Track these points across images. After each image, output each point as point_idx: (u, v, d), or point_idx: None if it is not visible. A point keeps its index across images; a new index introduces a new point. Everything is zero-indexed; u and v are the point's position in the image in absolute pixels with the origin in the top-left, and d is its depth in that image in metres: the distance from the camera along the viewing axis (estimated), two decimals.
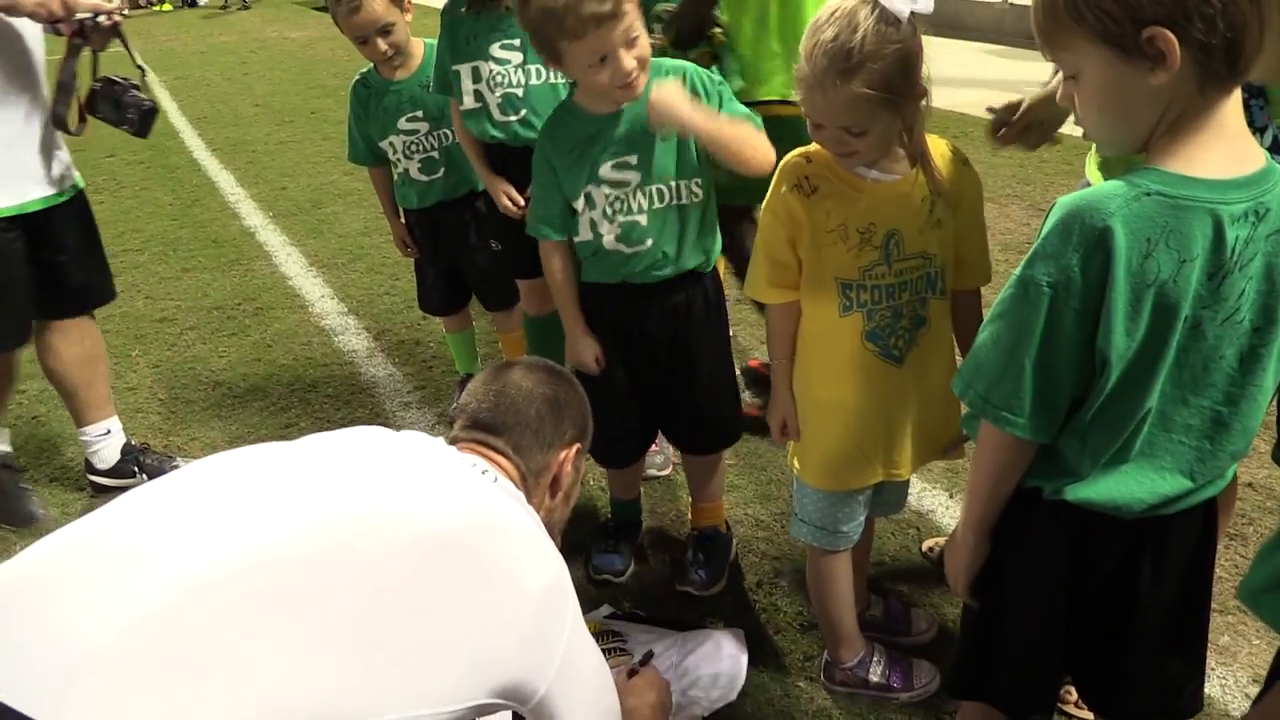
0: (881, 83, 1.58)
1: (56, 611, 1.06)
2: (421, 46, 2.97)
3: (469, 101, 2.65)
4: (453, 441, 1.52)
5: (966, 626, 1.60)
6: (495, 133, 2.66)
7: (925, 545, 2.51)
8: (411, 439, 1.43)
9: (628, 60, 1.92)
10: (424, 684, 1.15)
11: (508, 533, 1.31)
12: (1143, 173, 1.19)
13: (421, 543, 1.22)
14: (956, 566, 1.50)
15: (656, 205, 2.07)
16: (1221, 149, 1.18)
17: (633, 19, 1.90)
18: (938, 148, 1.76)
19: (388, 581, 1.17)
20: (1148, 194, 1.17)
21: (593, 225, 2.11)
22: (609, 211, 2.08)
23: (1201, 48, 1.11)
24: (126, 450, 2.98)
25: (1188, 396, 1.27)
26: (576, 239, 2.15)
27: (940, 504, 2.67)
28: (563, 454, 1.57)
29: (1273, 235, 1.20)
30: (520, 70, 2.61)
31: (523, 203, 2.61)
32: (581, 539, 2.53)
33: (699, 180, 2.09)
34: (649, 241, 2.10)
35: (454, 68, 2.66)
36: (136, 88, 2.78)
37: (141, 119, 2.75)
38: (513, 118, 2.63)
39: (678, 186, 2.07)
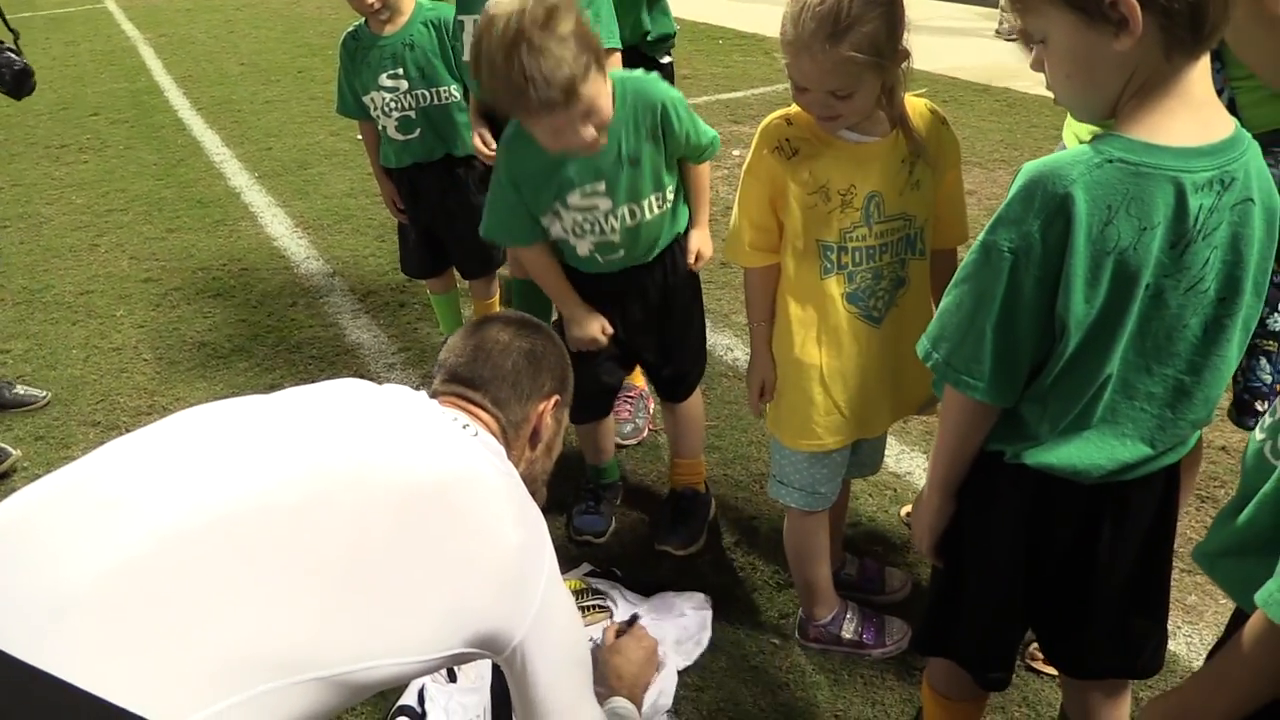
0: (869, 45, 1.57)
1: (39, 557, 1.08)
2: (412, 3, 2.95)
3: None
4: (433, 395, 1.53)
5: (933, 586, 1.63)
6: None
7: (904, 511, 2.54)
8: (393, 392, 1.44)
9: (586, 132, 1.88)
10: (403, 633, 1.18)
11: (486, 487, 1.33)
12: (1106, 139, 1.19)
13: (402, 495, 1.23)
14: (922, 526, 1.52)
15: (628, 223, 2.09)
16: (1187, 116, 1.18)
17: (588, 101, 1.84)
18: (916, 108, 1.77)
19: (368, 533, 1.18)
20: (1110, 160, 1.17)
21: (563, 235, 2.12)
22: (580, 231, 2.10)
23: (1165, 12, 1.11)
24: None
25: (1151, 365, 1.28)
26: (555, 237, 2.16)
27: (918, 466, 2.70)
28: (541, 406, 1.58)
29: (1239, 205, 1.20)
30: None
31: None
32: (563, 498, 2.56)
33: (669, 189, 2.12)
34: (623, 252, 2.13)
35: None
36: (13, 51, 2.92)
37: (15, 79, 2.91)
38: None
39: (648, 203, 2.09)
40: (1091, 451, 1.33)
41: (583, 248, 2.13)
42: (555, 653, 1.37)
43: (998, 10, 8.05)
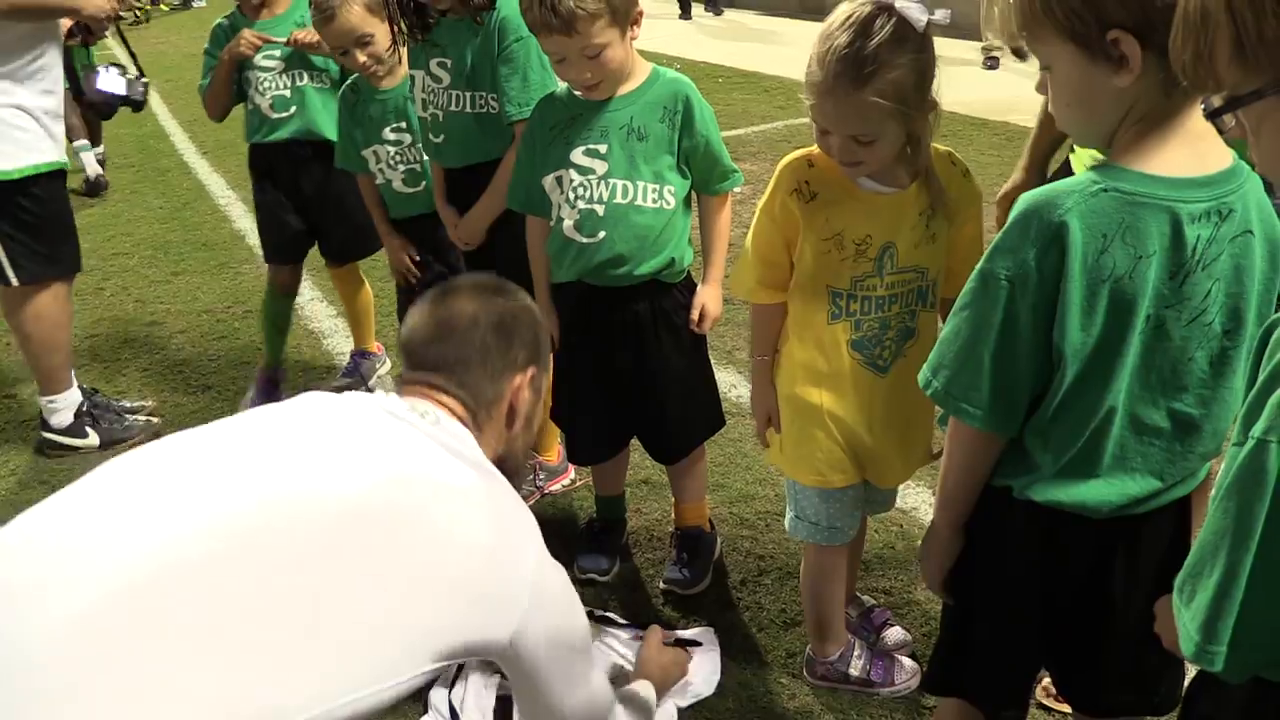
0: (894, 93, 1.56)
1: None
2: (407, 54, 2.90)
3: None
4: (401, 384, 1.46)
5: (944, 623, 1.61)
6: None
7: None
8: (350, 403, 1.37)
9: (583, 70, 2.01)
10: (370, 664, 1.13)
11: (445, 494, 1.25)
12: (1103, 170, 1.20)
13: (352, 520, 1.17)
14: (931, 562, 1.51)
15: (618, 200, 2.09)
16: (1183, 148, 1.19)
17: (597, 38, 1.96)
18: (938, 157, 1.75)
19: (319, 568, 1.13)
20: (1105, 190, 1.18)
21: (558, 209, 2.14)
22: (571, 197, 2.11)
23: (1164, 52, 1.11)
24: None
25: (1157, 398, 1.28)
26: (552, 225, 2.18)
27: (924, 501, 2.67)
28: (516, 380, 1.48)
29: (1238, 237, 1.21)
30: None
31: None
32: (567, 539, 2.54)
33: (671, 189, 2.11)
34: (601, 234, 2.11)
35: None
36: (144, 81, 3.61)
37: (142, 101, 3.60)
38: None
39: (643, 188, 2.09)
40: (1100, 487, 1.32)
41: (568, 221, 2.12)
42: (552, 647, 1.33)
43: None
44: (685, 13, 11.64)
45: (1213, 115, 0.98)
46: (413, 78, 2.56)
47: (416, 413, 1.35)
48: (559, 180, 2.13)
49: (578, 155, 2.10)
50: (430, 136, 2.57)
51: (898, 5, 1.56)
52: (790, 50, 7.71)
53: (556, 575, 1.38)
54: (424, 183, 2.92)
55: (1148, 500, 1.34)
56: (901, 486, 2.68)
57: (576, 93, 2.13)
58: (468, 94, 2.43)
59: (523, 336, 1.50)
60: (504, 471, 1.42)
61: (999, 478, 1.38)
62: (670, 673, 1.94)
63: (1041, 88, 1.29)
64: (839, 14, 1.60)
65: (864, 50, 1.54)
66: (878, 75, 1.55)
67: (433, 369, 1.44)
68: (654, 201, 2.10)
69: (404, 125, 2.87)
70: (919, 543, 2.47)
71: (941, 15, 1.59)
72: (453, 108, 2.47)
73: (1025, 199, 1.23)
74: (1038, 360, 1.27)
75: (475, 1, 2.34)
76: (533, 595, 1.27)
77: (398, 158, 2.90)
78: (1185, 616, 1.02)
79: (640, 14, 2.07)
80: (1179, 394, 1.28)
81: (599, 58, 2.00)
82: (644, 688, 1.81)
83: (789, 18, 11.18)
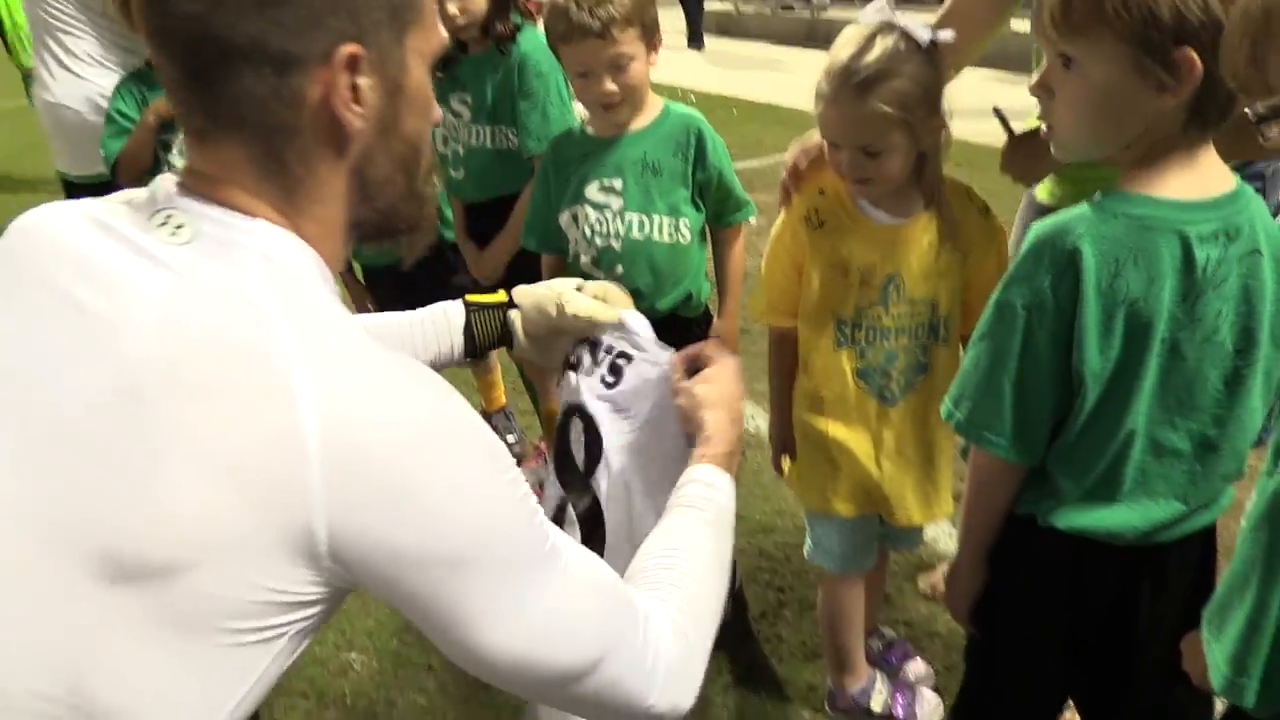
0: (898, 100, 1.58)
1: None
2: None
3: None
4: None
5: (968, 655, 1.59)
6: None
7: (923, 586, 2.47)
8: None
9: (608, 84, 2.00)
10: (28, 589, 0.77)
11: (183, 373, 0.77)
12: (1109, 197, 1.21)
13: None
14: (955, 593, 1.50)
15: (635, 234, 2.11)
16: (1188, 173, 1.20)
17: (626, 49, 1.98)
18: (954, 191, 1.75)
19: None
20: (1114, 216, 1.19)
21: (575, 245, 2.16)
22: (588, 233, 2.13)
23: (1207, 86, 1.12)
24: None
25: (1175, 419, 1.28)
26: (569, 262, 2.20)
27: (943, 532, 2.65)
28: (317, 87, 0.84)
29: (1246, 256, 1.21)
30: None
31: None
32: None
33: (686, 222, 2.12)
34: (619, 269, 2.12)
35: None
36: None
37: None
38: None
39: (659, 221, 2.11)
40: (1125, 512, 1.31)
41: (585, 257, 2.14)
42: (420, 561, 0.81)
43: (1006, 72, 8.14)
44: (697, 43, 11.73)
45: (1260, 121, 0.95)
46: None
47: (161, 225, 0.84)
48: (574, 217, 2.15)
49: (593, 191, 2.12)
50: (450, 172, 2.62)
51: (901, 23, 1.61)
52: (799, 79, 7.76)
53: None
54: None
55: (1172, 526, 1.33)
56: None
57: (589, 130, 2.15)
58: (488, 129, 2.48)
59: None
60: (389, 230, 0.98)
61: (1022, 506, 1.37)
62: (736, 401, 1.25)
63: (1041, 89, 1.24)
64: (845, 32, 1.65)
65: (868, 60, 1.58)
66: (881, 82, 1.58)
67: (197, 139, 0.88)
68: (670, 235, 2.12)
69: None
70: (940, 574, 2.46)
71: (945, 34, 1.60)
72: (473, 143, 2.53)
73: (1036, 229, 1.24)
74: (1058, 386, 1.27)
75: (499, 32, 2.40)
76: (329, 467, 0.76)
77: None
78: (1214, 649, 1.01)
79: (660, 40, 2.09)
80: (1196, 415, 1.27)
81: (625, 71, 2.01)
82: (703, 484, 1.16)
83: (797, 46, 11.26)
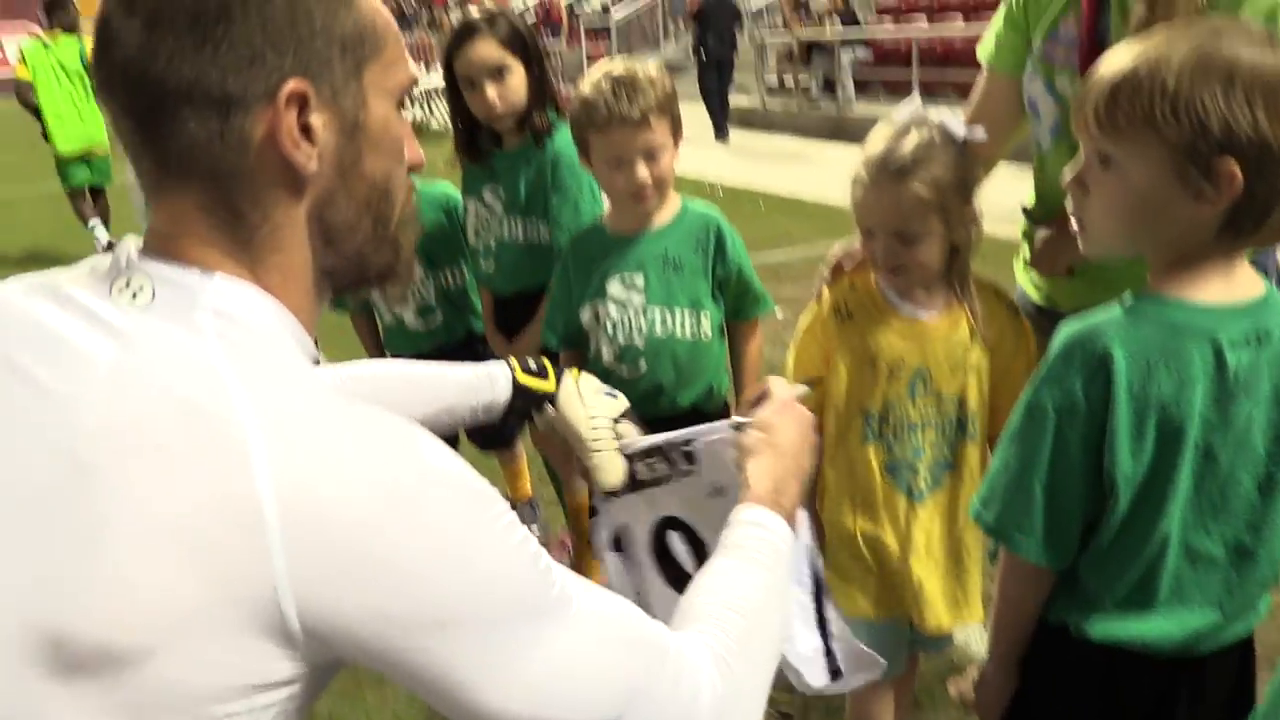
0: (933, 186, 1.62)
1: None
2: (462, 180, 2.86)
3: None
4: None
5: None
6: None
7: (953, 692, 2.40)
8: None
9: (641, 171, 2.03)
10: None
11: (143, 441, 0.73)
12: (1141, 300, 1.22)
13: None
14: (985, 702, 1.46)
15: (657, 332, 2.12)
16: (1219, 278, 1.20)
17: (660, 138, 2.02)
18: (985, 290, 1.76)
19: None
20: (1146, 320, 1.19)
21: (596, 342, 2.17)
22: (610, 329, 2.14)
23: (1247, 199, 1.13)
24: None
25: (1209, 525, 1.25)
26: (590, 359, 2.20)
27: (974, 635, 2.58)
28: (261, 125, 0.80)
29: (1277, 360, 1.20)
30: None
31: None
32: None
33: (707, 315, 2.13)
34: (643, 365, 2.13)
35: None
36: None
37: None
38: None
39: (681, 315, 2.12)
40: (1160, 622, 1.28)
41: (608, 354, 2.14)
42: (390, 619, 0.75)
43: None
44: (722, 135, 11.93)
45: None
46: (466, 206, 2.65)
47: (121, 291, 0.81)
48: (596, 313, 2.15)
49: (614, 286, 2.13)
50: (481, 264, 2.65)
51: (934, 118, 1.65)
52: (825, 173, 7.84)
53: (369, 477, 0.75)
54: (439, 314, 2.87)
55: (1210, 636, 1.29)
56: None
57: (609, 227, 2.17)
58: (520, 222, 2.52)
59: (259, 19, 0.79)
60: (362, 279, 0.93)
61: (1054, 614, 1.34)
62: (804, 453, 1.23)
63: (1076, 185, 1.22)
64: (880, 126, 1.69)
65: (906, 148, 1.63)
66: (918, 169, 1.62)
67: (154, 193, 0.84)
68: (692, 331, 2.13)
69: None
70: (970, 679, 2.38)
71: (978, 134, 1.65)
72: (505, 236, 2.57)
73: (1066, 330, 1.23)
74: (1089, 489, 1.25)
75: (535, 126, 2.45)
76: (291, 534, 0.71)
77: (409, 291, 2.83)
78: None
79: (682, 134, 2.12)
80: (1230, 520, 1.25)
81: (658, 160, 2.04)
82: (756, 527, 1.12)
83: (821, 139, 11.44)
